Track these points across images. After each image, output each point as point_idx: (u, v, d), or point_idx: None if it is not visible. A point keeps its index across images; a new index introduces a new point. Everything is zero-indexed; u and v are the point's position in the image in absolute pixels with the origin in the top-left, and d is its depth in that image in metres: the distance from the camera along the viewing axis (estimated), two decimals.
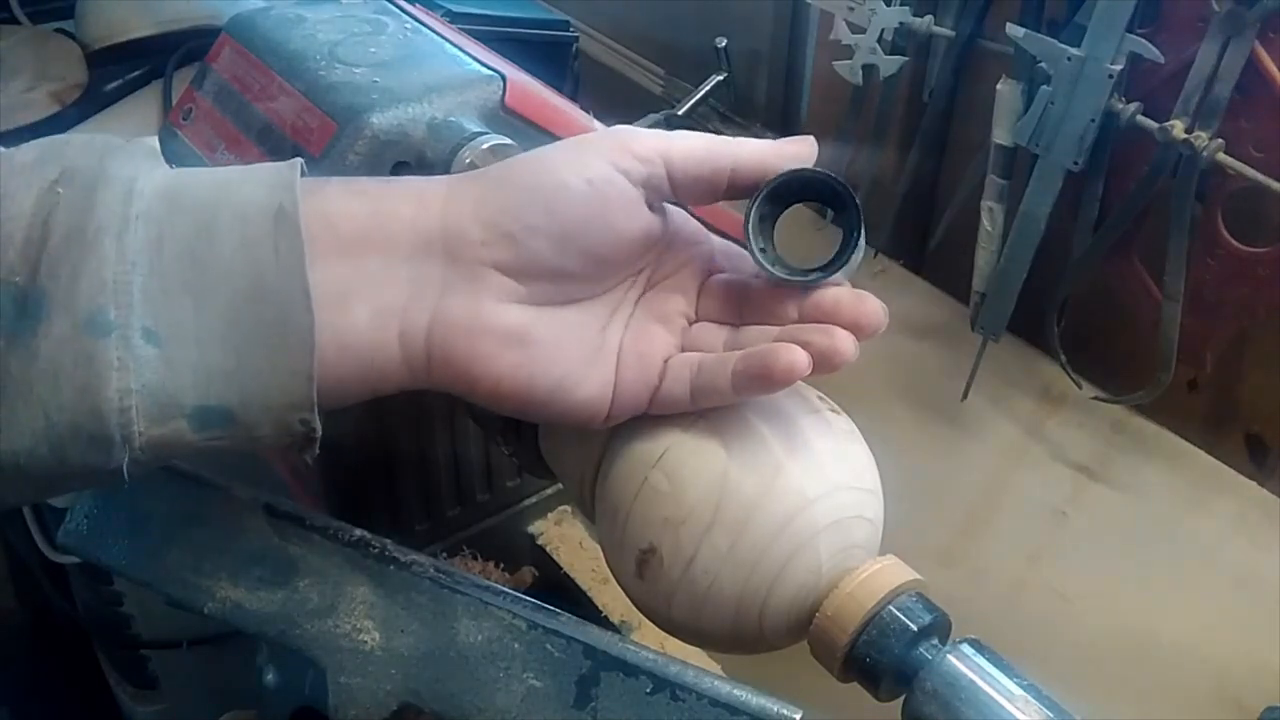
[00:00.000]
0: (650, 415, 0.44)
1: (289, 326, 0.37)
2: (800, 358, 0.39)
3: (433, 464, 0.73)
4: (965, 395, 0.80)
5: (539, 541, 0.81)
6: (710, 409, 0.43)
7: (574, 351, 0.42)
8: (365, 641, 0.46)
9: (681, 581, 0.42)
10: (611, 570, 0.47)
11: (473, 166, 0.55)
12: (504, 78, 0.60)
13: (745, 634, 0.43)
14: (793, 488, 0.41)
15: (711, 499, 0.41)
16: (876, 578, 0.42)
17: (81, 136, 0.39)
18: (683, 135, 0.42)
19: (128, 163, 0.37)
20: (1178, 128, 0.64)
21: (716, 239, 0.46)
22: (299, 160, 0.39)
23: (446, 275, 0.40)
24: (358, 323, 0.39)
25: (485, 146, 0.55)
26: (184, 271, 0.36)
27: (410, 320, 0.40)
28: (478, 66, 0.62)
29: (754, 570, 0.41)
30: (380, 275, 0.39)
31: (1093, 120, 0.67)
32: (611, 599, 0.76)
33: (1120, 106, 0.67)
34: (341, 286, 0.38)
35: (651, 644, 0.47)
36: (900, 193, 0.83)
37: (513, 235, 0.40)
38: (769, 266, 0.42)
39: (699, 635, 0.44)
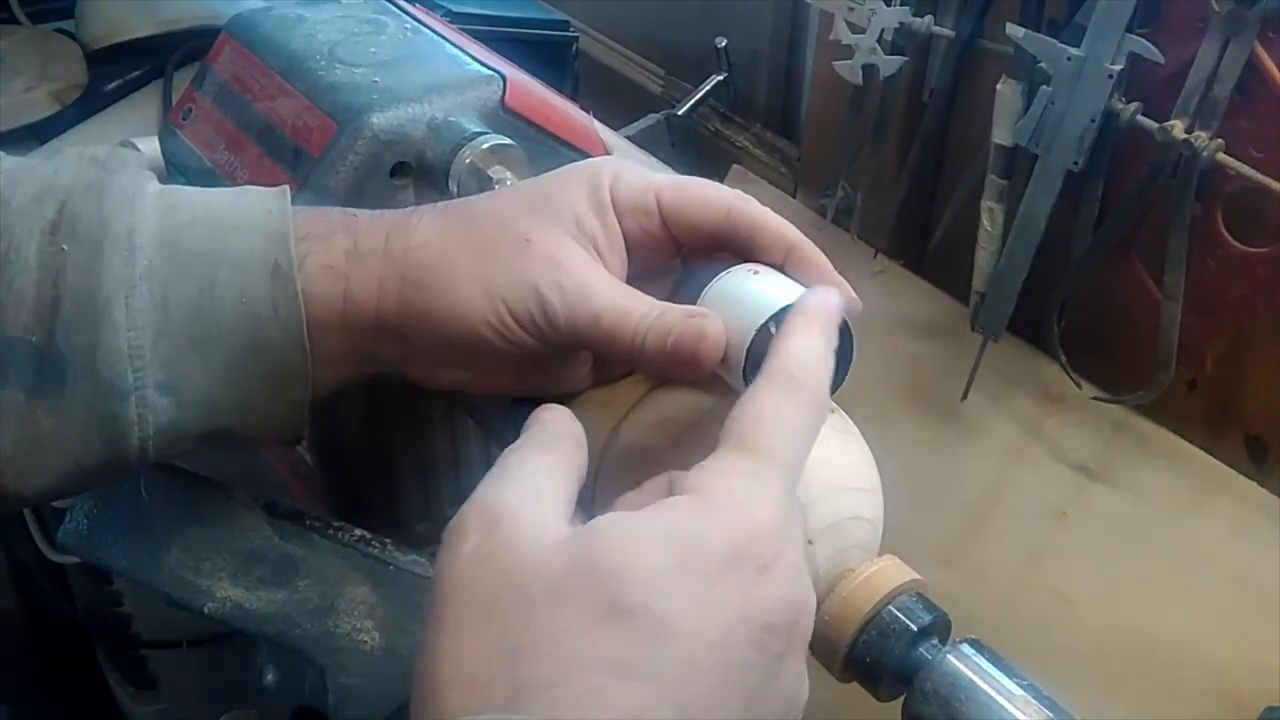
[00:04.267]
0: (643, 422, 0.44)
1: (289, 374, 0.41)
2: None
3: (433, 464, 0.73)
4: (965, 395, 0.80)
5: None
6: (705, 412, 0.43)
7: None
8: (365, 641, 0.46)
9: None
10: None
11: (473, 166, 0.55)
12: (504, 78, 0.60)
13: None
14: (821, 477, 0.41)
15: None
16: (876, 578, 0.42)
17: (71, 161, 0.39)
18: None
19: (125, 208, 0.38)
20: (1178, 128, 0.64)
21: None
22: (286, 197, 0.41)
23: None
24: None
25: (485, 147, 0.55)
26: (189, 328, 0.39)
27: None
28: (478, 66, 0.62)
29: None
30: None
31: (1093, 120, 0.67)
32: None
33: (1120, 106, 0.67)
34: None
35: None
36: (900, 193, 0.83)
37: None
38: None
39: None
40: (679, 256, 0.45)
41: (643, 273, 0.44)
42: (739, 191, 0.43)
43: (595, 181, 0.43)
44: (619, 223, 0.43)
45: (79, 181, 0.39)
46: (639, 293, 0.41)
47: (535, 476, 0.34)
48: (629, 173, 0.44)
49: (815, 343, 0.36)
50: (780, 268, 0.43)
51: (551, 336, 0.41)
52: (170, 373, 0.39)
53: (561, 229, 0.41)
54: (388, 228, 0.42)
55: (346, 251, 0.41)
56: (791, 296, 0.40)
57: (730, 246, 0.43)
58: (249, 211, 0.40)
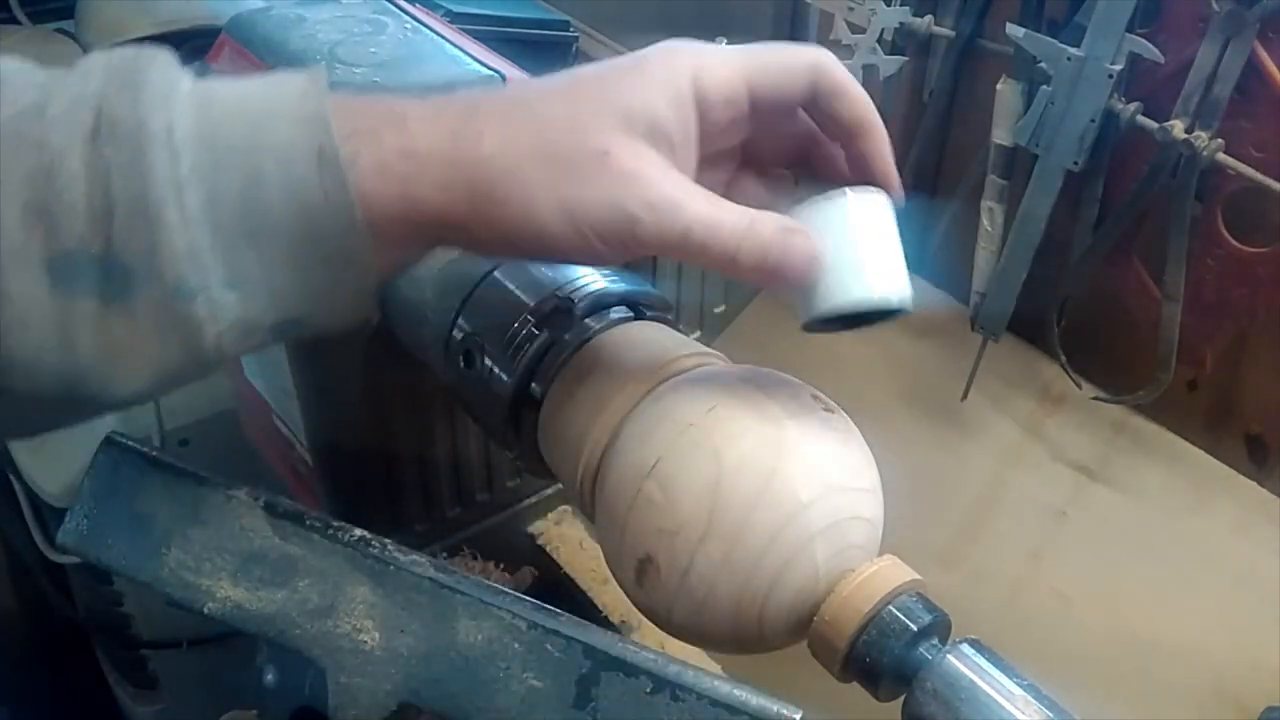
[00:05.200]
0: (643, 422, 0.44)
1: (348, 260, 0.40)
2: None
3: (433, 464, 0.73)
4: (965, 395, 0.80)
5: (539, 541, 0.81)
6: (704, 413, 0.43)
7: None
8: (365, 641, 0.46)
9: (679, 590, 0.42)
10: (612, 572, 0.47)
11: None
12: (504, 78, 0.60)
13: (745, 637, 0.43)
14: (786, 492, 0.41)
15: (704, 508, 0.41)
16: (875, 578, 0.42)
17: (101, 64, 0.39)
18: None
19: (160, 106, 0.38)
20: (1178, 128, 0.64)
21: None
22: (322, 78, 0.40)
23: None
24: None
25: None
26: (242, 223, 0.38)
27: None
28: (478, 66, 0.62)
29: (750, 577, 0.41)
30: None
31: (1093, 120, 0.67)
32: (611, 599, 0.76)
33: (1120, 106, 0.67)
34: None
35: (651, 644, 0.47)
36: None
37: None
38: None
39: (700, 638, 0.44)
40: (744, 136, 0.45)
41: (706, 160, 0.44)
42: (818, 51, 0.43)
43: (674, 76, 0.41)
44: (706, 115, 0.42)
45: (111, 83, 0.38)
46: (724, 201, 0.41)
47: None
48: (713, 62, 0.42)
49: None
50: (848, 139, 0.43)
51: (637, 250, 0.41)
52: (232, 269, 0.39)
53: (639, 136, 0.40)
54: (449, 131, 0.40)
55: (400, 150, 0.40)
56: (892, 289, 0.42)
57: (808, 109, 0.43)
58: (284, 100, 0.40)
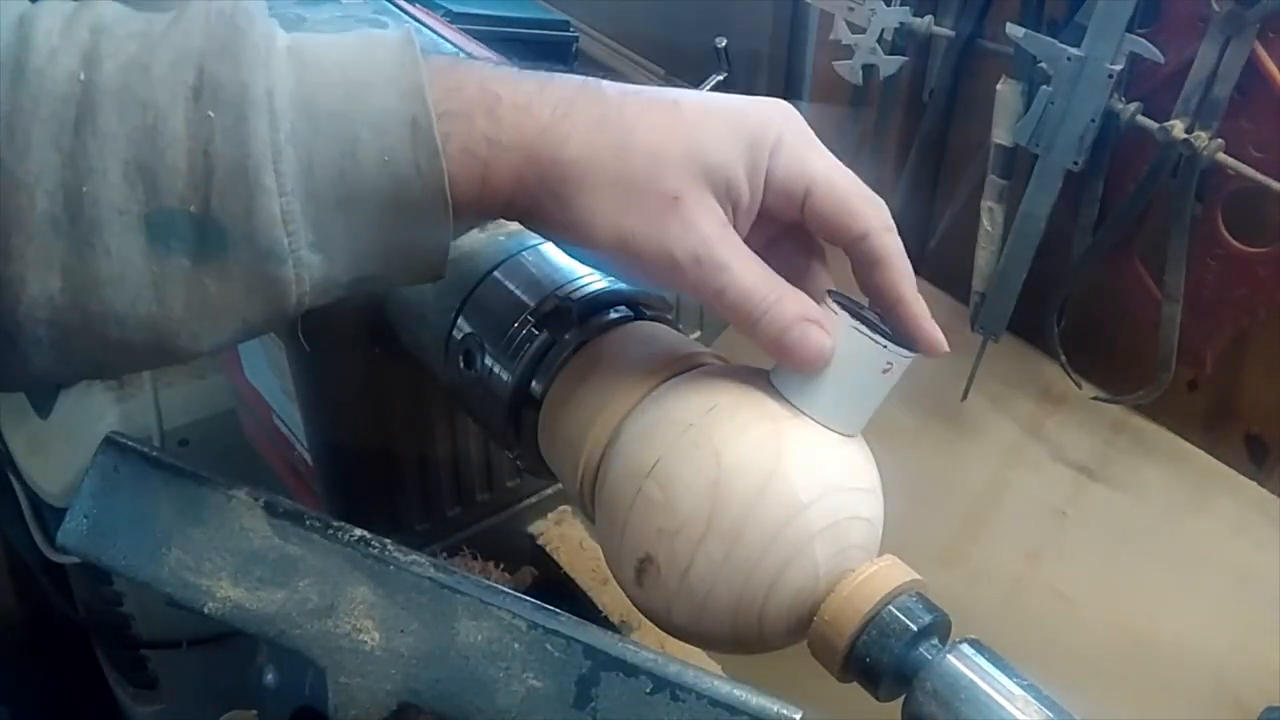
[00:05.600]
0: (643, 422, 0.44)
1: (430, 225, 0.41)
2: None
3: (433, 464, 0.73)
4: (965, 395, 0.80)
5: (539, 541, 0.81)
6: (704, 413, 0.43)
7: None
8: (365, 641, 0.46)
9: (679, 590, 0.42)
10: (612, 572, 0.47)
11: None
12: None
13: (745, 637, 0.43)
14: (786, 492, 0.41)
15: (704, 508, 0.41)
16: (875, 578, 0.42)
17: (200, 19, 0.39)
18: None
19: (261, 69, 0.39)
20: (1178, 128, 0.64)
21: None
22: (415, 45, 0.41)
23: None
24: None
25: None
26: (335, 190, 0.40)
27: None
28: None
29: (750, 577, 0.41)
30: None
31: (1093, 120, 0.67)
32: (611, 599, 0.76)
33: (1120, 106, 0.67)
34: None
35: (651, 644, 0.47)
36: (900, 193, 0.83)
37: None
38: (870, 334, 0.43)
39: (700, 638, 0.44)
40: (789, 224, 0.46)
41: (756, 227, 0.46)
42: (883, 213, 0.45)
43: (758, 144, 0.43)
44: (768, 189, 0.44)
45: (212, 42, 0.39)
46: (765, 269, 0.43)
47: None
48: (792, 146, 0.44)
49: None
50: (889, 307, 0.45)
51: (671, 287, 0.44)
52: (320, 233, 0.40)
53: (710, 191, 0.42)
54: (538, 127, 0.42)
55: (488, 138, 0.41)
56: (851, 428, 0.44)
57: (851, 259, 0.45)
58: (382, 67, 0.40)
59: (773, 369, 0.45)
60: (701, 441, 0.43)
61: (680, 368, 0.47)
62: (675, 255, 0.41)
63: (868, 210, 0.44)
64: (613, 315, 0.52)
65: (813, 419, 0.43)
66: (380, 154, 0.40)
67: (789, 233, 0.47)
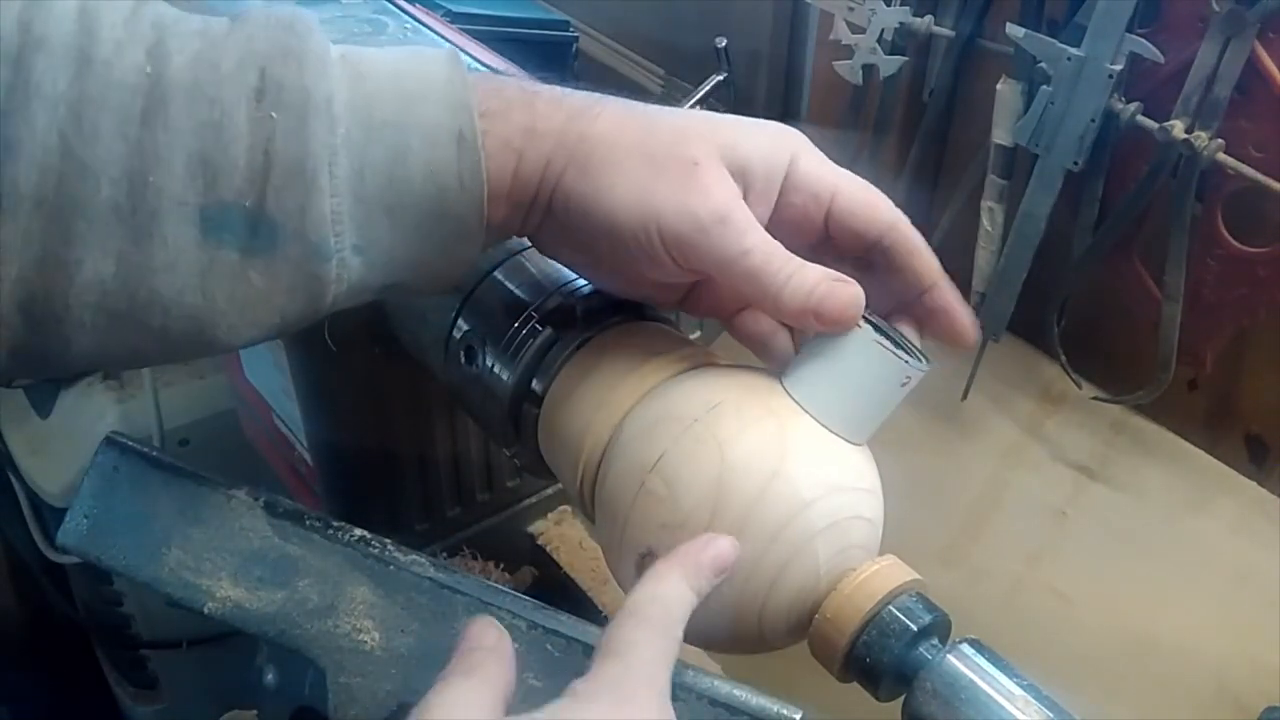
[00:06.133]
0: (645, 419, 0.44)
1: (464, 237, 0.43)
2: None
3: (433, 464, 0.73)
4: (965, 395, 0.80)
5: (539, 541, 0.81)
6: (707, 410, 0.43)
7: None
8: (365, 641, 0.46)
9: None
10: (612, 570, 0.47)
11: None
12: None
13: (745, 636, 0.43)
14: (788, 491, 0.41)
15: (708, 504, 0.41)
16: (876, 578, 0.42)
17: (261, 24, 0.41)
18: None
19: (321, 75, 0.40)
20: (1178, 128, 0.64)
21: None
22: (462, 64, 0.43)
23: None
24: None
25: None
26: (382, 194, 0.41)
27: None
28: (478, 66, 0.62)
29: (751, 575, 0.41)
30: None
31: (1093, 120, 0.67)
32: (611, 599, 0.76)
33: (1120, 106, 0.67)
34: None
35: None
36: (900, 193, 0.83)
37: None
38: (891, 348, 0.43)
39: (700, 636, 0.44)
40: (809, 245, 0.46)
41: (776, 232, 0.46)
42: (899, 212, 0.45)
43: (777, 146, 0.44)
44: (780, 197, 0.44)
45: (274, 46, 0.40)
46: (779, 243, 0.43)
47: (450, 708, 0.37)
48: (813, 155, 0.45)
49: (668, 584, 0.40)
50: (919, 298, 0.45)
51: (693, 260, 0.43)
52: (363, 236, 0.41)
53: (726, 167, 0.43)
54: (569, 112, 0.43)
55: (524, 129, 0.43)
56: (858, 436, 0.44)
57: (877, 259, 0.45)
58: (432, 81, 0.42)
59: (786, 373, 0.45)
60: (706, 437, 0.43)
61: (681, 366, 0.47)
62: (698, 213, 0.42)
63: (887, 208, 0.45)
64: (613, 315, 0.52)
65: (823, 425, 0.43)
66: (427, 164, 0.41)
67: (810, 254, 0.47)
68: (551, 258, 0.49)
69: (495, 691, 0.39)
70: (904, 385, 0.43)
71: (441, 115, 0.41)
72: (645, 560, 0.43)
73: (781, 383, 0.44)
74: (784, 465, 0.42)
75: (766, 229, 0.44)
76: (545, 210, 0.44)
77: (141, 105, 0.38)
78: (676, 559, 0.41)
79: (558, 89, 0.44)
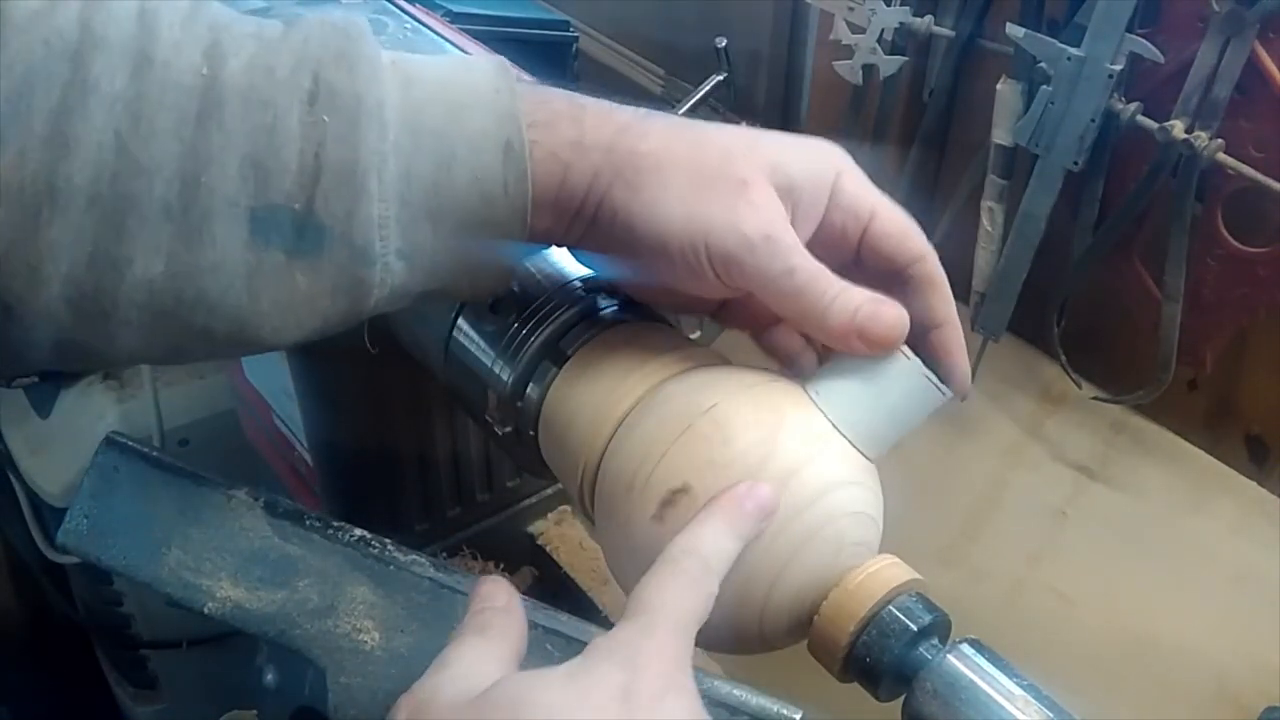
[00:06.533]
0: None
1: (505, 246, 0.44)
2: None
3: (433, 464, 0.73)
4: (965, 395, 0.80)
5: (539, 541, 0.81)
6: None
7: None
8: (365, 641, 0.46)
9: None
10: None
11: None
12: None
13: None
14: (794, 486, 0.41)
15: (760, 452, 0.41)
16: (875, 578, 0.42)
17: (316, 28, 0.41)
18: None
19: (373, 81, 0.41)
20: (1178, 128, 0.64)
21: None
22: (510, 73, 0.44)
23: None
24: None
25: None
26: (427, 201, 0.41)
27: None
28: None
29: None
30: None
31: (1093, 120, 0.67)
32: (611, 599, 0.76)
33: (1120, 106, 0.67)
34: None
35: None
36: (900, 193, 0.83)
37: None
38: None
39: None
40: (841, 264, 0.47)
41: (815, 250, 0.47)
42: (930, 245, 0.46)
43: (823, 163, 0.45)
44: (829, 210, 0.45)
45: (327, 51, 0.40)
46: (823, 264, 0.44)
47: (465, 664, 0.37)
48: (856, 175, 0.46)
49: (709, 531, 0.40)
50: (926, 333, 0.46)
51: (737, 278, 0.43)
52: (407, 241, 0.42)
53: (774, 186, 0.43)
54: (617, 126, 0.44)
55: (571, 141, 0.43)
56: (874, 450, 0.44)
57: (897, 286, 0.46)
58: (480, 90, 0.42)
59: (812, 381, 0.45)
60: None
61: (682, 367, 0.47)
62: (746, 231, 0.42)
63: (920, 238, 0.46)
64: (614, 315, 0.52)
65: (845, 438, 0.44)
66: (473, 172, 0.42)
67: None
68: (588, 268, 0.49)
69: (508, 649, 0.39)
70: (927, 411, 0.44)
71: (489, 124, 0.42)
72: (676, 496, 0.42)
73: (805, 388, 0.45)
74: (811, 452, 0.42)
75: (807, 246, 0.44)
76: (589, 222, 0.44)
77: (197, 106, 0.38)
78: (718, 506, 0.40)
79: (605, 103, 0.45)
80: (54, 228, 0.37)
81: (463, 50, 0.64)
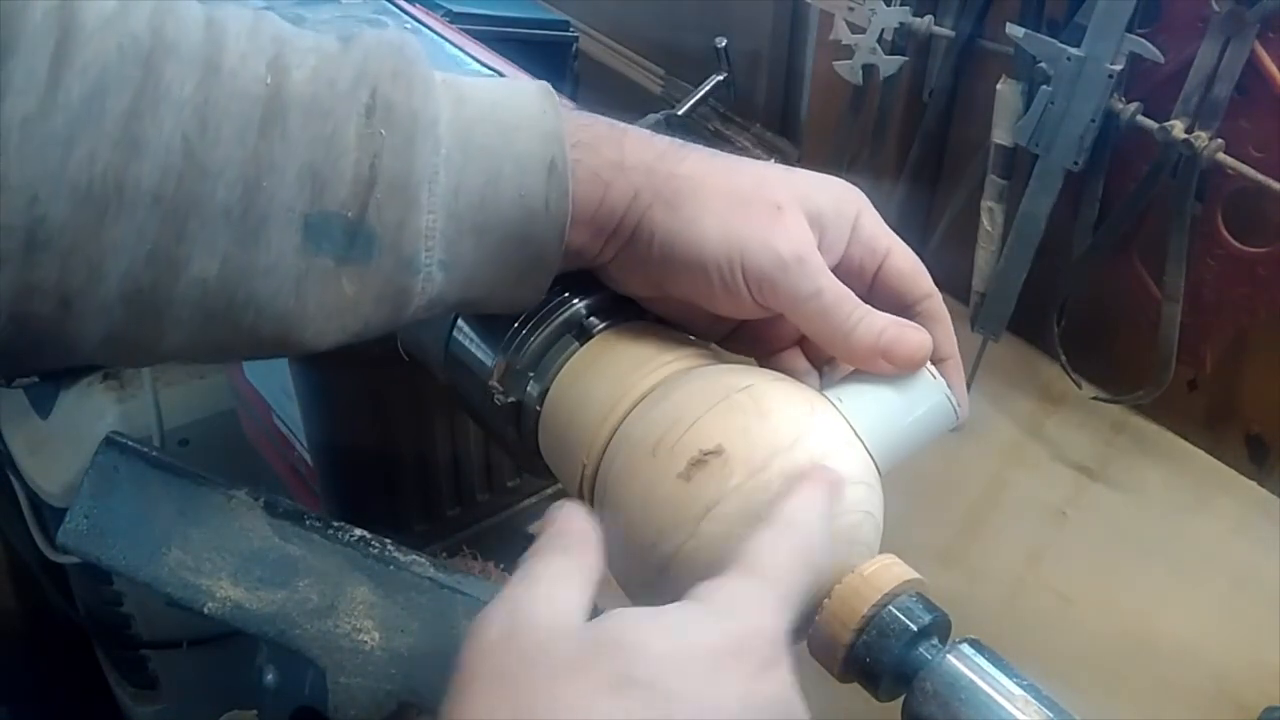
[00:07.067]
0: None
1: (542, 261, 0.45)
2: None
3: (433, 464, 0.73)
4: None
5: None
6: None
7: None
8: (365, 641, 0.46)
9: (738, 490, 0.41)
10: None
11: None
12: (502, 77, 0.60)
13: None
14: (843, 465, 0.42)
15: (794, 430, 0.42)
16: (876, 578, 0.42)
17: (373, 46, 0.43)
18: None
19: (429, 98, 0.43)
20: (1178, 128, 0.64)
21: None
22: (554, 96, 0.46)
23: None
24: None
25: None
26: (472, 215, 0.43)
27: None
28: (478, 66, 0.62)
29: None
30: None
31: (1093, 120, 0.67)
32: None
33: (1120, 106, 0.67)
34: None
35: None
36: (900, 193, 0.83)
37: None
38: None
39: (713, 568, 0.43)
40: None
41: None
42: (935, 286, 0.48)
43: (846, 200, 0.47)
44: (850, 244, 0.47)
45: (384, 67, 0.42)
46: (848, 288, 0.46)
47: (554, 584, 0.37)
48: (874, 215, 0.48)
49: (813, 499, 0.40)
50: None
51: (766, 296, 0.45)
52: (450, 253, 0.43)
53: (806, 215, 0.45)
54: (657, 151, 0.46)
55: (612, 163, 0.45)
56: (887, 461, 0.46)
57: (910, 317, 0.47)
58: (527, 111, 0.45)
59: (832, 388, 0.46)
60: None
61: (682, 367, 0.47)
62: (780, 251, 0.44)
63: (927, 278, 0.48)
64: (615, 315, 0.52)
65: (864, 445, 0.44)
66: (518, 189, 0.43)
67: None
68: (616, 285, 0.50)
69: (590, 575, 0.38)
70: (940, 431, 0.46)
71: (534, 144, 0.44)
72: (708, 458, 0.41)
73: (827, 395, 0.46)
74: (835, 443, 0.43)
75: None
76: (626, 240, 0.46)
77: (260, 115, 0.39)
78: (814, 478, 0.41)
79: (643, 130, 0.47)
80: (118, 226, 0.38)
81: (463, 50, 0.64)
